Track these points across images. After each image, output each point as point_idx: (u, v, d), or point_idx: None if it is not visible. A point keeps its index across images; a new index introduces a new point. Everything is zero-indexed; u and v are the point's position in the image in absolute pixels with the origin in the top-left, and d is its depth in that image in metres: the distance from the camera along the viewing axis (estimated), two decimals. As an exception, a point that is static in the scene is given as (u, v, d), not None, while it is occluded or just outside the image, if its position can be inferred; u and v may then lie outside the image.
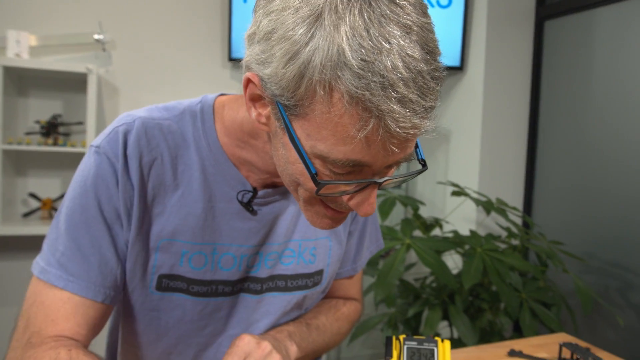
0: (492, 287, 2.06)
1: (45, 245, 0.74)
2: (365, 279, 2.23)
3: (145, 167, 0.74)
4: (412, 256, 2.60)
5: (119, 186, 0.73)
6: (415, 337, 0.81)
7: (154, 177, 0.75)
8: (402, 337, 0.81)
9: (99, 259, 0.74)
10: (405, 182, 0.75)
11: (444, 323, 2.25)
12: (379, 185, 0.59)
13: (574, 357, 1.02)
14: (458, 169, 2.62)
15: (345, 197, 0.63)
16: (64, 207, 0.75)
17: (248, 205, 0.79)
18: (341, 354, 2.63)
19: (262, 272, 0.84)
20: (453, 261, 2.34)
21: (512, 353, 1.09)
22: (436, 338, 0.81)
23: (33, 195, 2.22)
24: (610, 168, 2.20)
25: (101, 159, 0.73)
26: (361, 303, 1.04)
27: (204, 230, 0.78)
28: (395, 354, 0.79)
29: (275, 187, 0.81)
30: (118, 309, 0.89)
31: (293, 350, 0.78)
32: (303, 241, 0.86)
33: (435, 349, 0.79)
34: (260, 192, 0.80)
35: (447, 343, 0.81)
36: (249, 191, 0.79)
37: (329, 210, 0.66)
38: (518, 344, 1.14)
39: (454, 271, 2.21)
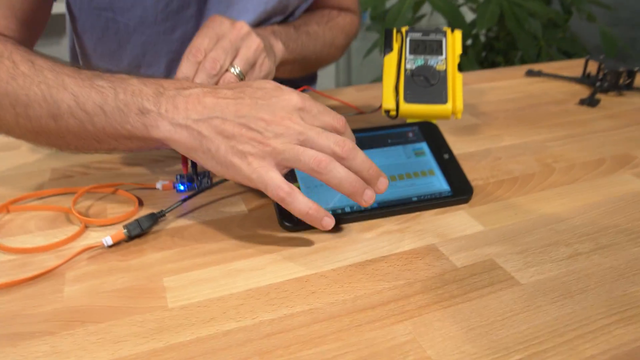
0: (508, 38, 1.90)
1: None
2: (370, 37, 2.06)
3: None
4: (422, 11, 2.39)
5: None
6: (422, 28, 0.68)
7: None
8: (404, 28, 0.68)
9: None
10: None
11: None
12: None
13: (601, 71, 0.90)
14: None
15: None
16: None
17: None
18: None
19: None
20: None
21: (530, 73, 0.97)
22: (445, 29, 0.68)
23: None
24: None
25: None
26: (358, 15, 0.89)
27: None
28: (396, 47, 0.67)
29: None
30: (70, 26, 0.76)
31: (278, 47, 0.66)
32: None
33: (443, 39, 0.67)
34: None
35: (458, 33, 0.68)
36: None
37: None
38: (537, 66, 1.02)
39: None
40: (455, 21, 1.61)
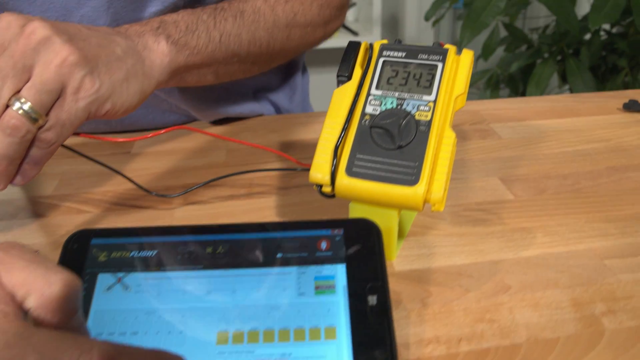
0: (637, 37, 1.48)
1: None
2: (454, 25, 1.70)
3: None
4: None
5: None
6: (410, 44, 0.41)
7: None
8: (379, 43, 0.42)
9: None
10: None
11: (564, 86, 1.74)
12: None
13: None
14: None
15: None
16: None
17: None
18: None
19: None
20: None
21: (630, 106, 0.65)
22: (448, 46, 0.40)
23: None
24: None
25: None
26: None
27: None
28: (357, 74, 0.40)
29: None
30: None
31: (160, 50, 0.42)
32: None
33: (439, 65, 0.39)
34: None
35: (467, 57, 0.40)
36: None
37: None
38: (648, 94, 0.69)
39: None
40: (561, 15, 1.25)
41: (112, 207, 0.47)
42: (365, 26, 2.01)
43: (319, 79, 1.50)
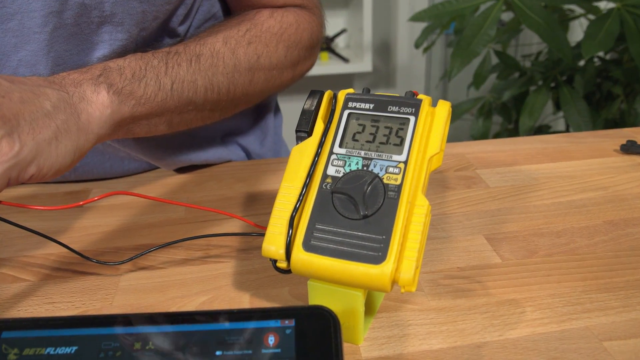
0: (632, 64, 1.45)
1: None
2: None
3: None
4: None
5: None
6: (379, 94, 0.36)
7: None
8: (345, 92, 0.37)
9: None
10: None
11: (558, 113, 1.71)
12: None
13: None
14: None
15: None
16: None
17: None
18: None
19: None
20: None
21: (628, 147, 0.60)
22: (422, 97, 0.36)
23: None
24: None
25: None
26: (317, 13, 0.56)
27: None
28: (318, 130, 0.36)
29: None
30: None
31: (99, 102, 0.38)
32: None
33: (411, 119, 0.35)
34: None
35: (443, 108, 0.35)
36: None
37: None
38: (646, 133, 0.64)
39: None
40: (553, 43, 1.21)
41: (52, 275, 0.42)
42: (356, 52, 1.98)
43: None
